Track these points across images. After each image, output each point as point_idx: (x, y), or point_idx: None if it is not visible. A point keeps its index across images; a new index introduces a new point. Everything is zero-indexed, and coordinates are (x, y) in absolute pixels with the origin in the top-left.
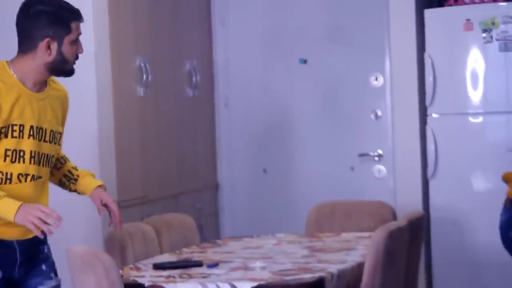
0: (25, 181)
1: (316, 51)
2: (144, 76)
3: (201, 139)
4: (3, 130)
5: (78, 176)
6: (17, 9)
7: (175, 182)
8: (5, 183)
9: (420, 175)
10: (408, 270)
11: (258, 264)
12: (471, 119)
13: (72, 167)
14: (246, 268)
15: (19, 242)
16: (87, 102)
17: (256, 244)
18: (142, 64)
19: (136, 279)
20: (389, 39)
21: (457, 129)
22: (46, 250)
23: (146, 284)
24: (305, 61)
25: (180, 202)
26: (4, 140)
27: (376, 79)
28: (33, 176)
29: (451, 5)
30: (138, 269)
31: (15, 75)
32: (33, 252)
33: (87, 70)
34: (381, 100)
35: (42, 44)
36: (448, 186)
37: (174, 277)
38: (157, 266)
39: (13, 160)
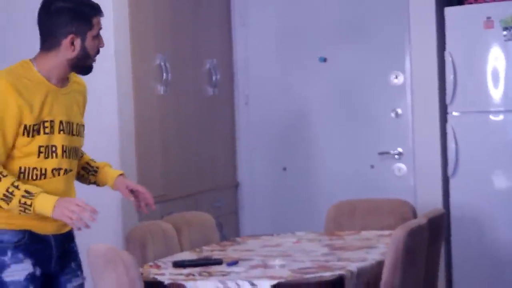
0: (58, 175)
1: (335, 50)
2: (164, 74)
3: (221, 137)
4: (35, 128)
5: (98, 167)
6: (31, 9)
7: (195, 181)
8: (40, 178)
9: (441, 173)
10: (428, 269)
11: (277, 262)
12: (491, 117)
13: (90, 159)
14: (265, 266)
15: (56, 237)
16: (107, 100)
17: (275, 242)
18: (162, 63)
19: (156, 277)
20: (409, 37)
21: (478, 127)
22: (75, 248)
23: (166, 282)
24: (324, 60)
25: (200, 200)
26: (37, 137)
27: (396, 77)
28: (65, 170)
29: (471, 3)
30: (158, 267)
31: (40, 72)
32: (67, 248)
33: (108, 68)
34: (401, 98)
35: (66, 41)
36: (468, 185)
37: (194, 275)
38: (177, 264)
39: (47, 156)
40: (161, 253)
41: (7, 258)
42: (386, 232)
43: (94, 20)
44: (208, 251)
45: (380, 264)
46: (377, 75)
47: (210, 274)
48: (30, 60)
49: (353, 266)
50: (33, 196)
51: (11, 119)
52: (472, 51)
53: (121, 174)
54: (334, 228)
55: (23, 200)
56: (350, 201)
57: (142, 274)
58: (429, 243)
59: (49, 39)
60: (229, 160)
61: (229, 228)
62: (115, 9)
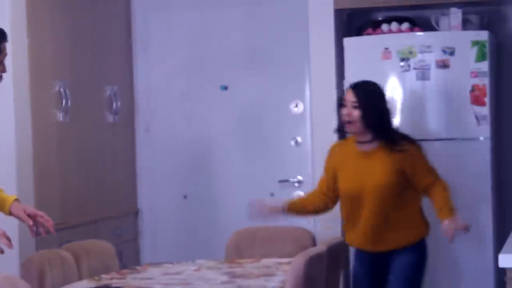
0: None
1: (237, 78)
2: (64, 101)
3: (121, 164)
4: None
5: None
6: None
7: (94, 208)
8: None
9: None
10: None
11: None
12: None
13: None
14: None
15: None
16: (5, 126)
17: (175, 270)
18: (62, 89)
19: None
20: (309, 67)
21: None
22: None
23: None
24: (226, 88)
25: (99, 228)
26: None
27: (296, 106)
28: None
29: (369, 34)
30: None
31: None
32: None
33: (5, 94)
34: (301, 126)
35: None
36: None
37: None
38: None
39: None
40: (60, 281)
41: None
42: (286, 260)
43: (1, 46)
44: (107, 280)
45: None
46: (277, 103)
47: None
48: None
49: None
50: None
51: None
52: None
53: (16, 199)
54: (235, 256)
55: None
56: (250, 229)
57: None
58: (328, 271)
59: None
60: (129, 187)
61: (129, 256)
62: (13, 35)
